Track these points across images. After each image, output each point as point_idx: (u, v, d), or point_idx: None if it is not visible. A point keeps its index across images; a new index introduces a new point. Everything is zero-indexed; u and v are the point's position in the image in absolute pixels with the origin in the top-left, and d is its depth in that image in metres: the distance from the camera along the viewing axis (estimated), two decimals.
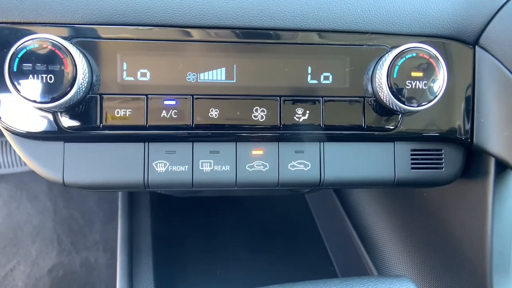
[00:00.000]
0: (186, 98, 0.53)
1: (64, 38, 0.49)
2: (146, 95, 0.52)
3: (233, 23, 0.53)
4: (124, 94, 0.52)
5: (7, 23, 0.50)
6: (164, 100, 0.52)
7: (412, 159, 0.59)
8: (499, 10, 0.54)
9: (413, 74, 0.52)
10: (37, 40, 0.47)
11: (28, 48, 0.46)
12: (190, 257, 1.08)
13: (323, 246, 1.14)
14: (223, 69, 0.53)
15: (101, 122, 0.52)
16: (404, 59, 0.51)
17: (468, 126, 0.57)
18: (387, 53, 0.53)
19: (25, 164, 1.51)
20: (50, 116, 0.52)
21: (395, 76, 0.51)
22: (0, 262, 1.27)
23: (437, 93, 0.52)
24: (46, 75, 0.47)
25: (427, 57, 0.52)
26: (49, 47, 0.47)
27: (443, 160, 0.59)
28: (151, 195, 1.15)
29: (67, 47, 0.47)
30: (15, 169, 1.50)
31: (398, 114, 0.56)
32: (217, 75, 0.53)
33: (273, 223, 1.20)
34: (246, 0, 0.52)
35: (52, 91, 0.47)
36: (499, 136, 0.55)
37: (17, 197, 1.42)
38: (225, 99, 0.53)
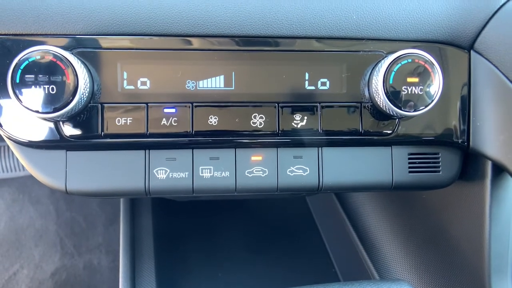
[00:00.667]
0: (185, 106, 0.53)
1: (65, 49, 0.50)
2: (146, 103, 0.53)
3: (231, 32, 0.53)
4: (124, 103, 0.53)
5: (10, 34, 0.51)
6: (164, 108, 0.53)
7: (409, 162, 0.59)
8: (493, 15, 0.55)
9: (409, 79, 0.52)
10: (38, 52, 0.48)
11: (30, 60, 0.47)
12: (191, 260, 1.09)
13: (324, 248, 1.14)
14: (222, 77, 0.54)
15: (102, 130, 0.53)
16: (399, 65, 0.52)
17: (464, 130, 0.58)
18: (383, 59, 0.54)
19: (23, 168, 1.52)
20: (52, 125, 0.52)
21: (391, 81, 0.52)
22: (3, 266, 1.28)
23: (433, 98, 0.53)
24: (48, 86, 0.48)
25: (423, 62, 0.52)
26: (51, 58, 0.48)
27: (440, 164, 0.60)
28: (153, 198, 1.16)
29: (68, 58, 0.48)
30: (18, 173, 1.52)
31: (395, 119, 0.56)
32: (216, 83, 0.54)
33: (274, 225, 1.21)
34: (244, 9, 0.53)
35: (54, 101, 0.48)
36: (495, 139, 0.55)
37: (19, 201, 1.43)
38: (224, 106, 0.54)
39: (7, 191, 1.46)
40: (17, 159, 1.53)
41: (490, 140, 0.56)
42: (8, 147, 1.54)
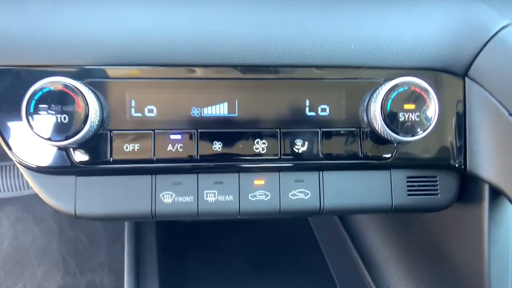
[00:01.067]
0: (191, 132, 0.56)
1: (77, 79, 0.52)
2: (153, 130, 0.55)
3: (234, 61, 0.56)
4: (132, 130, 0.55)
5: (24, 66, 0.54)
6: (170, 134, 0.55)
7: (408, 185, 0.61)
8: (486, 44, 0.57)
9: (406, 106, 0.54)
10: (52, 83, 0.50)
11: (43, 91, 0.50)
12: (195, 279, 1.09)
13: (326, 266, 1.15)
14: (226, 104, 0.56)
15: (111, 156, 0.55)
16: (396, 92, 0.54)
17: (461, 154, 0.59)
18: (380, 86, 0.56)
19: (29, 187, 1.53)
20: (63, 152, 0.54)
21: (388, 109, 0.54)
22: (6, 285, 1.28)
23: (430, 124, 0.55)
24: (60, 115, 0.50)
25: (419, 90, 0.54)
26: (63, 89, 0.50)
27: (438, 187, 0.61)
28: None
29: (79, 88, 0.50)
30: (23, 192, 1.53)
31: (393, 143, 0.58)
32: (219, 110, 0.56)
33: (277, 244, 1.21)
34: (245, 40, 0.55)
35: (65, 130, 0.50)
36: (491, 163, 0.57)
37: (23, 219, 1.44)
38: (227, 132, 0.56)
39: (11, 210, 1.47)
40: (22, 178, 1.55)
41: (486, 164, 0.57)
42: (13, 166, 1.56)
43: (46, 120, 0.50)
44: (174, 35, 0.55)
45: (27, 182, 1.53)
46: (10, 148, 0.55)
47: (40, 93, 0.50)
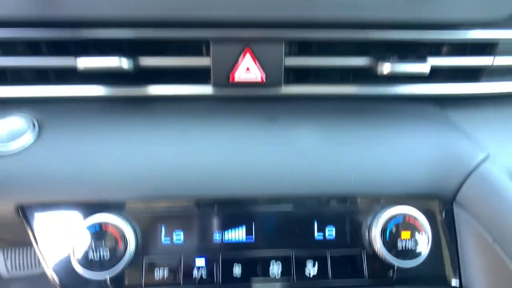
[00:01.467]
0: (213, 257, 0.63)
1: (117, 213, 0.61)
2: (181, 255, 0.62)
3: (250, 193, 0.64)
4: (162, 255, 0.62)
5: (73, 202, 0.62)
6: (196, 257, 0.63)
7: None
8: (468, 176, 0.66)
9: (403, 235, 0.62)
10: (97, 222, 0.59)
11: (90, 231, 0.58)
12: None
13: None
14: (244, 227, 0.64)
15: (143, 280, 0.61)
16: (392, 223, 0.62)
17: (456, 272, 0.66)
18: (379, 212, 0.64)
19: (40, 265, 1.55)
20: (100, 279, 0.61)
21: (387, 238, 0.62)
22: None
23: (425, 249, 0.62)
24: (102, 249, 0.58)
25: (413, 220, 0.63)
26: (107, 227, 0.58)
27: None
28: None
29: (121, 226, 0.59)
30: (33, 270, 1.55)
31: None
32: (239, 233, 0.64)
33: None
34: (258, 175, 0.64)
35: (106, 263, 0.58)
36: (483, 282, 0.63)
37: None
38: (246, 256, 0.63)
39: None
40: (35, 256, 1.57)
41: (479, 282, 0.64)
42: (29, 247, 1.59)
43: (89, 254, 0.58)
44: (196, 173, 0.63)
45: (38, 260, 1.55)
46: (49, 271, 0.61)
47: (88, 230, 0.58)
